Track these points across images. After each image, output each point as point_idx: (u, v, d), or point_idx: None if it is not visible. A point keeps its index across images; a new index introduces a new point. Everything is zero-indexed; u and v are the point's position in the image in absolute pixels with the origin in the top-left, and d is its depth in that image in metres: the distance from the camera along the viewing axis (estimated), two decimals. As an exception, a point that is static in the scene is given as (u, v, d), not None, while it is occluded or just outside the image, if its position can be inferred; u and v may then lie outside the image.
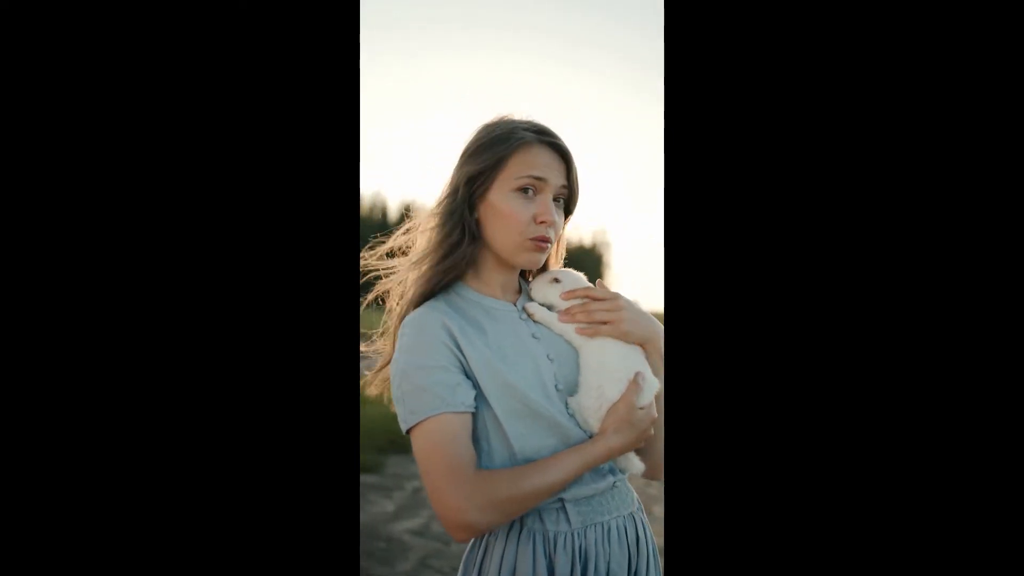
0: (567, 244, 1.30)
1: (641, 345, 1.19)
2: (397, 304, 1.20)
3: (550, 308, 1.22)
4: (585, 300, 1.19)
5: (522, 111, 1.22)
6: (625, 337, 1.17)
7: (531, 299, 1.24)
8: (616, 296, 1.20)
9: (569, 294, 1.19)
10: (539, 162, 1.15)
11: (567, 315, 1.18)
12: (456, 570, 1.13)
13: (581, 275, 1.24)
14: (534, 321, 1.19)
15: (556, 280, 1.22)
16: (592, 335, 1.17)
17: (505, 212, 1.15)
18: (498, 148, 1.15)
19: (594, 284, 1.23)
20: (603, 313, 1.17)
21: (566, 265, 1.30)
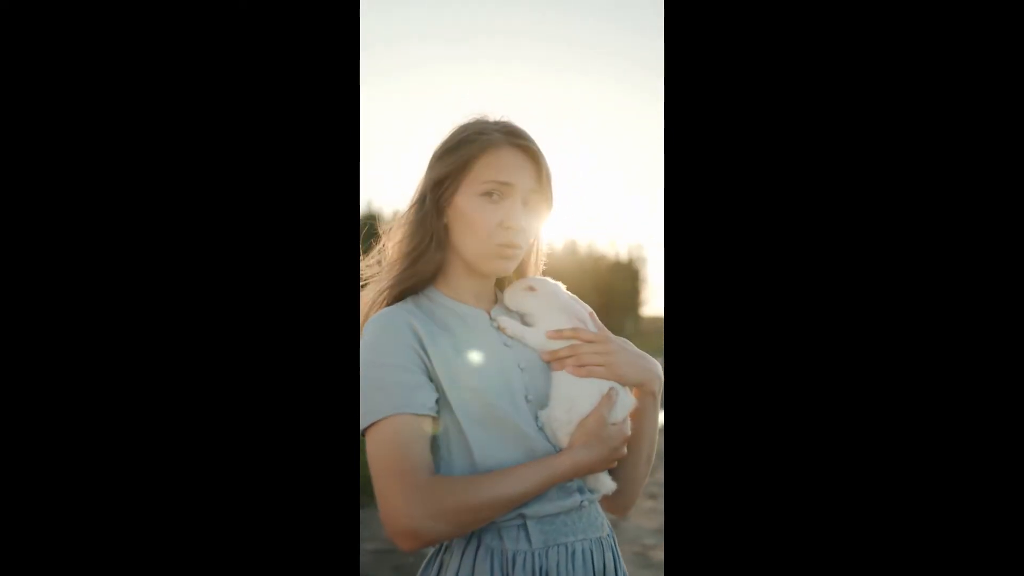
0: (605, 261, 1.24)
1: (636, 387, 1.12)
2: (367, 311, 1.15)
3: (524, 317, 1.16)
4: (574, 342, 1.11)
5: (497, 111, 1.16)
6: (620, 380, 1.10)
7: (505, 307, 1.18)
8: (606, 337, 1.13)
9: (556, 334, 1.11)
10: (506, 165, 1.09)
11: (557, 363, 1.11)
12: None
13: (559, 284, 1.18)
14: (506, 335, 1.13)
15: (531, 288, 1.15)
16: (584, 376, 1.09)
17: (470, 217, 1.09)
18: (464, 150, 1.09)
19: (586, 314, 1.15)
20: (594, 356, 1.10)
21: (549, 275, 1.24)
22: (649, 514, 4.77)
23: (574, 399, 1.08)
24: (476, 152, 1.09)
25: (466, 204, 1.09)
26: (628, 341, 1.16)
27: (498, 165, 1.09)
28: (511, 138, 1.11)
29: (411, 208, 1.14)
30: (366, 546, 3.91)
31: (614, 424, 1.08)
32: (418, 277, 1.11)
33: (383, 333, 1.04)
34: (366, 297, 1.15)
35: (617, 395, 1.09)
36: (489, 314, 1.15)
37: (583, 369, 1.09)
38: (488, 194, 1.09)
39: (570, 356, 1.10)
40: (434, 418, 1.04)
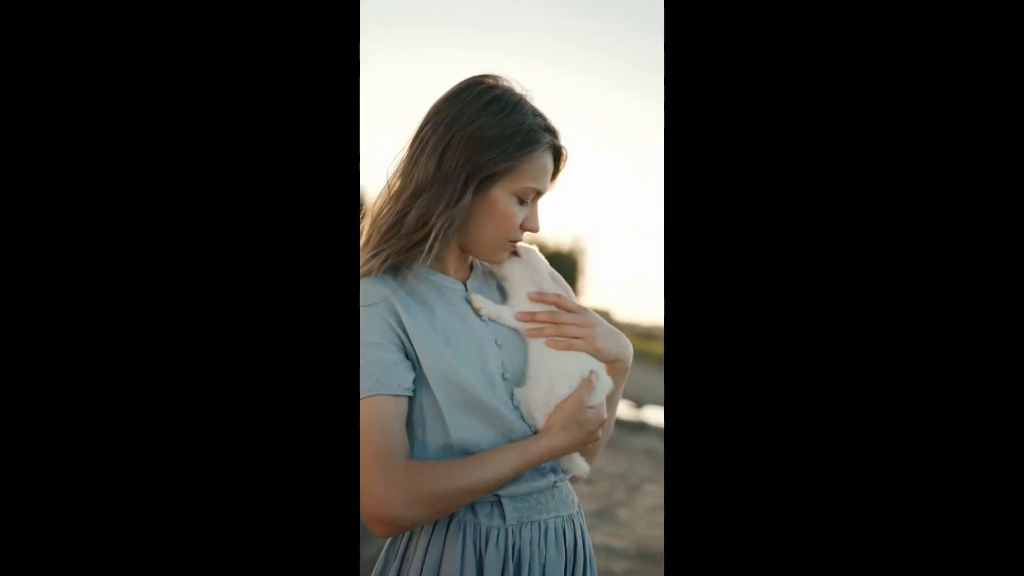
0: (545, 250, 1.25)
1: (609, 363, 1.14)
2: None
3: (502, 282, 1.16)
4: (554, 309, 1.12)
5: (522, 86, 1.12)
6: (597, 354, 1.12)
7: (483, 273, 1.18)
8: (585, 310, 1.14)
9: (537, 297, 1.12)
10: (543, 171, 1.10)
11: (535, 329, 1.11)
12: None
13: (544, 259, 1.18)
14: (480, 315, 1.11)
15: (515, 254, 1.15)
16: (564, 348, 1.10)
17: (498, 212, 1.08)
18: (521, 150, 1.06)
19: (566, 290, 1.17)
20: (574, 328, 1.11)
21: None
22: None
23: (553, 380, 1.09)
24: (527, 154, 1.07)
25: (500, 200, 1.08)
26: (601, 317, 1.18)
27: (540, 171, 1.09)
28: (555, 141, 1.11)
29: (436, 174, 1.05)
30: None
31: (591, 407, 1.09)
32: (418, 254, 1.06)
33: (360, 310, 1.02)
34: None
35: (597, 378, 1.10)
36: (465, 285, 1.14)
37: (563, 342, 1.10)
38: (521, 196, 1.09)
39: (550, 325, 1.11)
40: (410, 398, 1.03)
